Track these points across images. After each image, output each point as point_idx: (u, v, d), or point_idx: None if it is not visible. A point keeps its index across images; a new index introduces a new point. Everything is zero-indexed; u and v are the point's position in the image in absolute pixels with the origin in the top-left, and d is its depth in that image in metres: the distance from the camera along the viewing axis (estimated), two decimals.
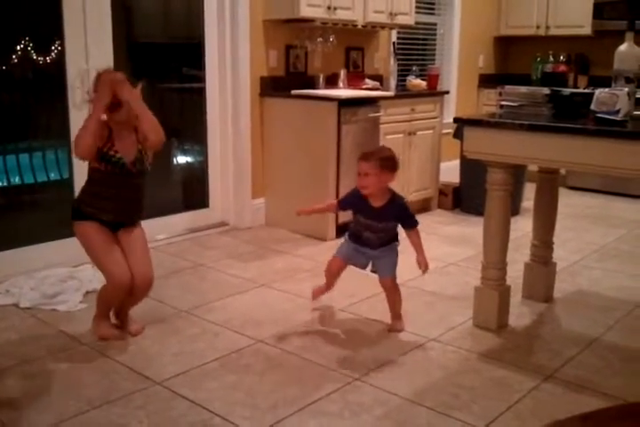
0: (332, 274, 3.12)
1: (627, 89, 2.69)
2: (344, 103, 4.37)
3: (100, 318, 2.93)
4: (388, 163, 2.85)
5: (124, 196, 2.80)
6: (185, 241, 4.38)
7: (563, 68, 6.49)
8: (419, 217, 5.05)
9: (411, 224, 2.95)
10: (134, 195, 2.85)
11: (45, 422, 2.23)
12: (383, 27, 5.23)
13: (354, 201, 2.95)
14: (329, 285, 3.17)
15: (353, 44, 5.34)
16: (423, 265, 2.94)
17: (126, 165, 2.72)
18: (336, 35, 4.95)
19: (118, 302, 2.89)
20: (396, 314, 3.07)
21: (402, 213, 2.92)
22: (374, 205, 2.88)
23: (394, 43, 5.63)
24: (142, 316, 3.11)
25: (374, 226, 2.90)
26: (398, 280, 3.32)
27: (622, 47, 2.88)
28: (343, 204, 3.08)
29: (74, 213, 2.82)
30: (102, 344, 2.83)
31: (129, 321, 2.99)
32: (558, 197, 3.36)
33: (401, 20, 5.18)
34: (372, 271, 3.06)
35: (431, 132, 5.24)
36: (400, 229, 2.99)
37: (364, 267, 3.07)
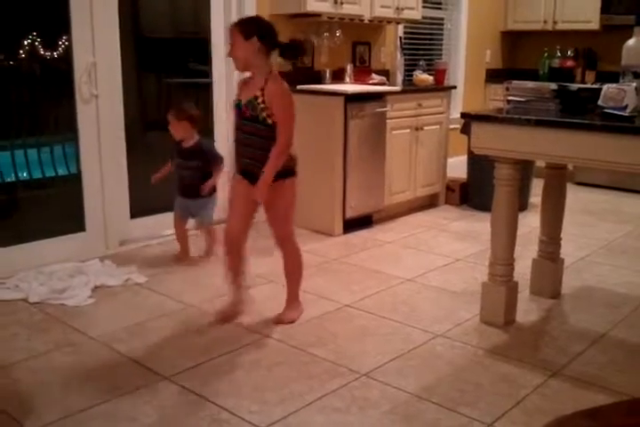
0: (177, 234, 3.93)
1: (634, 84, 2.68)
2: (351, 98, 4.36)
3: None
4: (184, 115, 3.69)
5: (244, 140, 2.83)
6: (192, 236, 4.38)
7: (570, 63, 6.46)
8: (426, 213, 5.14)
9: (216, 162, 3.77)
10: (252, 141, 2.80)
11: (53, 417, 2.24)
12: (390, 21, 5.22)
13: (175, 147, 3.77)
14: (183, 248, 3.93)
15: (359, 38, 5.33)
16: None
17: (241, 107, 2.77)
18: (343, 29, 4.95)
19: (233, 261, 3.00)
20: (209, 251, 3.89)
21: (208, 154, 3.77)
22: (185, 146, 3.74)
23: (400, 37, 5.62)
24: (148, 310, 3.13)
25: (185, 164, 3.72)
26: (406, 276, 3.32)
27: (630, 42, 2.87)
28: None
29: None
30: (110, 339, 2.84)
31: (288, 307, 3.11)
32: (566, 192, 3.35)
33: (408, 14, 5.17)
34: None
35: (438, 127, 5.23)
36: None
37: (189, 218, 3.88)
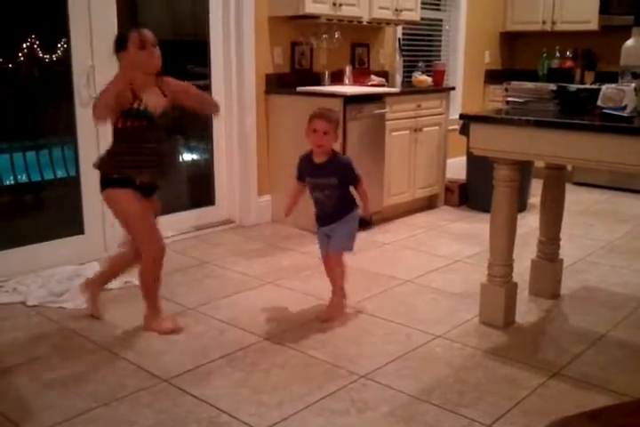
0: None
1: (633, 85, 2.67)
2: (349, 100, 4.36)
3: (152, 311, 2.94)
4: (338, 124, 3.07)
5: (160, 150, 2.80)
6: (191, 239, 4.39)
7: (569, 63, 6.46)
8: (425, 214, 5.14)
9: (354, 179, 3.05)
10: (168, 148, 2.87)
11: (53, 420, 2.24)
12: (388, 23, 5.21)
13: (303, 165, 3.10)
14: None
15: (358, 40, 5.33)
16: (366, 212, 3.12)
17: (154, 118, 2.72)
18: (341, 31, 4.94)
19: (158, 278, 2.92)
20: (338, 289, 3.16)
21: (344, 169, 3.03)
22: (317, 162, 3.03)
23: (399, 39, 5.62)
24: None
25: (320, 182, 3.02)
26: (405, 277, 3.30)
27: (629, 42, 2.87)
28: (301, 176, 3.14)
29: (103, 182, 2.82)
30: (109, 342, 2.84)
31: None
32: (565, 193, 3.35)
33: (406, 15, 5.17)
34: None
35: (437, 128, 5.23)
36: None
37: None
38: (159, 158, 2.80)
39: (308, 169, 3.08)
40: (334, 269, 3.12)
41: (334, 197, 3.02)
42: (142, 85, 2.72)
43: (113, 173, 2.79)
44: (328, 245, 3.10)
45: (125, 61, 2.68)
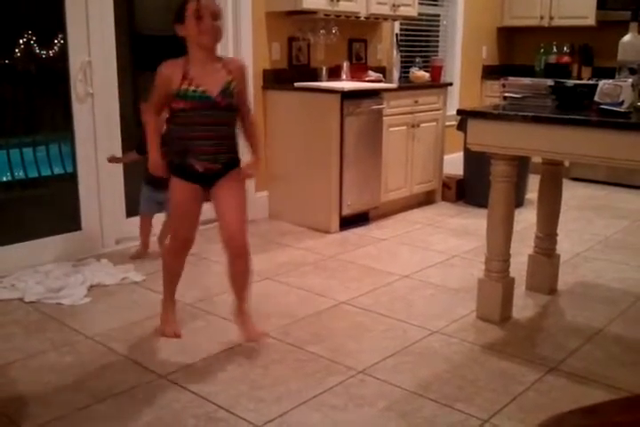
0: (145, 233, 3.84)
1: (630, 80, 2.68)
2: (347, 95, 4.35)
3: (166, 308, 2.89)
4: None
5: (213, 134, 2.54)
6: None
7: (566, 59, 6.46)
8: (422, 210, 5.14)
9: None
10: (225, 132, 2.58)
11: (50, 416, 2.24)
12: (386, 18, 5.21)
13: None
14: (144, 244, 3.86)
15: (356, 35, 5.33)
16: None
17: (211, 98, 2.48)
18: (339, 26, 4.94)
19: (179, 269, 2.82)
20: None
21: None
22: None
23: (397, 34, 5.62)
24: (145, 309, 3.12)
25: None
26: (402, 273, 3.30)
27: (626, 38, 2.87)
28: None
29: (169, 168, 2.65)
30: (106, 338, 2.84)
31: (246, 322, 2.77)
32: (562, 188, 3.36)
33: (404, 11, 5.16)
34: None
35: (434, 124, 5.23)
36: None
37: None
38: (215, 143, 2.56)
39: None
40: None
41: None
42: (199, 61, 2.51)
43: (174, 160, 2.61)
44: None
45: (183, 34, 2.52)
